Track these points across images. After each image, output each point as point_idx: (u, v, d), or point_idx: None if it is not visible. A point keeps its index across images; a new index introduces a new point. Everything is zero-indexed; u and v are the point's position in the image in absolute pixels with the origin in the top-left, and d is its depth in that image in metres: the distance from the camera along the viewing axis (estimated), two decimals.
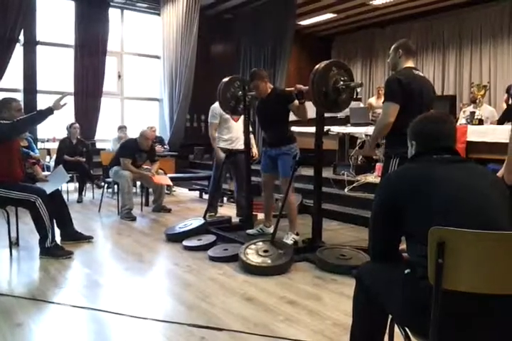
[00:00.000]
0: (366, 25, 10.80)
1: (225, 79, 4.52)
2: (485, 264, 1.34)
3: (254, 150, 5.40)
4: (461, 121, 6.10)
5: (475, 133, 5.10)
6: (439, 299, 1.35)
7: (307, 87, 3.69)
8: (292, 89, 3.91)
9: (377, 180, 5.96)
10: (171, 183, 6.53)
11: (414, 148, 1.81)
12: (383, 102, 3.15)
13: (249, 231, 4.44)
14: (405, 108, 3.01)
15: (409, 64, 3.20)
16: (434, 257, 1.34)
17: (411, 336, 1.54)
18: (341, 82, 3.48)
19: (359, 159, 7.04)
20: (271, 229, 4.26)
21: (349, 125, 6.63)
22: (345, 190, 5.82)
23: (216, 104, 5.07)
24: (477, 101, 6.05)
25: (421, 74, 3.27)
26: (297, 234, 4.15)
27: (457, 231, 1.32)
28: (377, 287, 1.67)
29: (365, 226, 4.85)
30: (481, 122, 5.53)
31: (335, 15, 10.00)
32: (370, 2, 9.07)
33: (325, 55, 11.72)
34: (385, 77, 10.69)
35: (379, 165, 6.31)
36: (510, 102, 6.70)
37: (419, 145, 1.78)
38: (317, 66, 3.55)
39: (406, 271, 1.56)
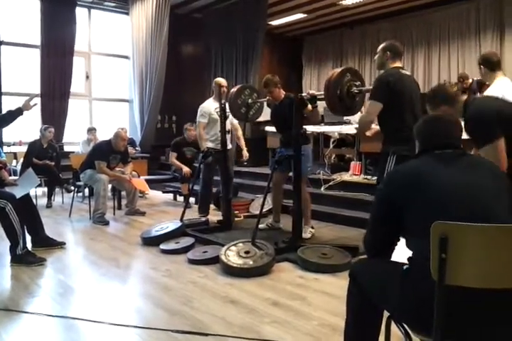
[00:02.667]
0: (336, 26, 10.84)
1: (235, 89, 4.69)
2: (488, 258, 1.31)
3: (245, 152, 5.39)
4: None
5: None
6: (443, 295, 1.32)
7: (320, 92, 3.86)
8: (305, 94, 4.06)
9: (353, 178, 6.02)
10: (148, 190, 6.41)
11: (418, 146, 1.83)
12: (368, 99, 3.23)
13: (260, 225, 4.29)
14: (397, 106, 3.10)
15: (397, 64, 3.27)
16: (437, 252, 1.30)
17: (411, 333, 1.50)
18: (354, 87, 3.55)
19: (333, 158, 7.07)
20: (280, 224, 4.67)
21: (323, 124, 6.63)
22: (322, 188, 5.83)
23: (205, 104, 5.03)
24: None
25: (407, 73, 3.37)
26: (312, 228, 4.40)
27: (460, 225, 1.29)
28: (374, 284, 1.63)
29: (344, 225, 4.94)
30: None
31: (305, 15, 10.01)
32: (340, 2, 9.10)
33: (296, 55, 11.80)
34: None
35: (354, 164, 6.35)
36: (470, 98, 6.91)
37: (421, 143, 1.81)
38: (331, 73, 3.65)
39: (405, 267, 1.53)
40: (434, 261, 1.33)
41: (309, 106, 4.05)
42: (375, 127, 3.49)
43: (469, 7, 8.75)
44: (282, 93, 4.40)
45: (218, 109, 4.73)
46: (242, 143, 5.42)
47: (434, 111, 2.46)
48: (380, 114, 3.15)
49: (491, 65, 3.50)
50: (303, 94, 4.08)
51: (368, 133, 3.55)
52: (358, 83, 3.58)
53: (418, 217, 1.54)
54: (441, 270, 1.31)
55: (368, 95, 3.43)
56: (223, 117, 4.63)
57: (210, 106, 4.95)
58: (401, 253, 1.69)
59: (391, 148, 3.10)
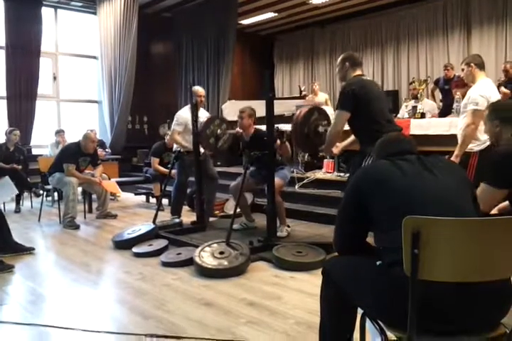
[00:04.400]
0: (307, 25, 10.89)
1: (204, 119, 4.73)
2: (461, 252, 1.31)
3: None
4: (404, 115, 6.26)
5: (417, 127, 5.26)
6: (416, 290, 1.31)
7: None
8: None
9: (326, 176, 6.05)
10: (119, 192, 6.31)
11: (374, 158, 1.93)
12: (335, 110, 3.30)
13: (235, 226, 4.31)
14: (368, 110, 3.17)
15: (357, 72, 3.34)
16: (409, 247, 1.30)
17: (385, 329, 1.50)
18: (321, 127, 3.67)
19: (306, 156, 7.09)
20: (255, 224, 4.76)
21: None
22: (296, 186, 5.84)
23: (182, 113, 5.00)
24: (418, 95, 6.23)
25: (368, 78, 3.51)
26: (288, 226, 4.46)
27: (432, 219, 1.29)
28: (347, 280, 1.63)
29: (318, 222, 4.95)
30: (423, 116, 5.69)
31: (276, 14, 10.02)
32: (309, 1, 9.13)
33: (268, 54, 11.80)
34: (326, 74, 10.89)
35: (327, 162, 6.39)
36: (440, 95, 7.02)
37: (377, 155, 1.89)
38: (298, 111, 3.79)
39: (378, 263, 1.53)
40: (407, 257, 1.32)
41: (278, 142, 4.20)
42: (341, 144, 3.55)
43: (437, 5, 8.90)
44: (253, 127, 4.53)
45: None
46: None
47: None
48: (353, 121, 3.22)
49: (481, 64, 3.51)
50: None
51: (335, 151, 3.57)
52: (324, 122, 3.70)
53: (387, 211, 1.55)
54: (414, 265, 1.31)
55: None
56: (195, 119, 4.58)
57: (187, 116, 4.89)
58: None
59: (370, 148, 3.13)
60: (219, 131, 4.66)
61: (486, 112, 2.55)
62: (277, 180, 4.16)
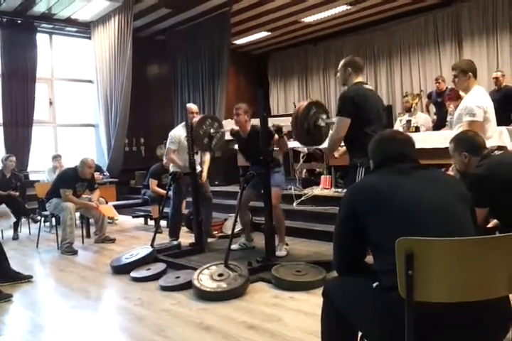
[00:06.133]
0: (300, 42, 11.02)
1: (196, 119, 4.69)
2: (455, 272, 1.30)
3: (204, 175, 5.11)
4: (399, 129, 6.28)
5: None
6: (413, 312, 1.29)
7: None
8: (271, 126, 4.17)
9: (324, 192, 6.03)
10: (117, 215, 6.28)
11: (372, 164, 1.85)
12: (336, 116, 3.27)
13: (233, 246, 4.34)
14: (364, 121, 3.14)
15: (359, 79, 3.32)
16: (403, 269, 1.28)
17: None
18: (321, 120, 3.60)
19: (303, 173, 7.09)
20: (253, 243, 4.71)
21: (292, 140, 6.65)
22: (294, 204, 5.81)
23: (176, 131, 5.02)
24: (412, 109, 6.26)
25: (370, 87, 3.42)
26: (287, 244, 4.43)
27: (425, 240, 1.28)
28: (347, 303, 1.60)
29: (317, 240, 4.92)
30: (417, 129, 5.71)
31: (269, 33, 10.14)
32: (302, 19, 9.27)
33: (262, 72, 11.91)
34: (320, 90, 10.96)
35: (324, 178, 6.38)
36: (434, 108, 7.05)
37: (375, 161, 1.83)
38: (297, 107, 3.72)
39: (374, 285, 1.50)
40: (401, 278, 1.30)
41: (276, 136, 4.20)
42: (342, 148, 3.53)
43: (427, 19, 9.01)
44: (249, 124, 4.48)
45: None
46: (205, 166, 5.23)
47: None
48: (347, 129, 3.17)
49: (475, 71, 3.31)
50: (269, 126, 4.16)
51: (336, 155, 3.58)
52: (324, 116, 3.66)
53: (383, 232, 1.52)
54: (409, 287, 1.29)
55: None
56: (190, 139, 4.58)
57: (180, 134, 4.90)
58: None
59: (359, 159, 3.12)
60: (212, 130, 4.63)
61: (452, 145, 2.71)
62: (274, 190, 4.10)
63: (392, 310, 1.39)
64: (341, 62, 3.38)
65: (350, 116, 3.13)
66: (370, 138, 3.10)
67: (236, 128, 4.55)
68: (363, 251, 1.71)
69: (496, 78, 6.30)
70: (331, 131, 3.54)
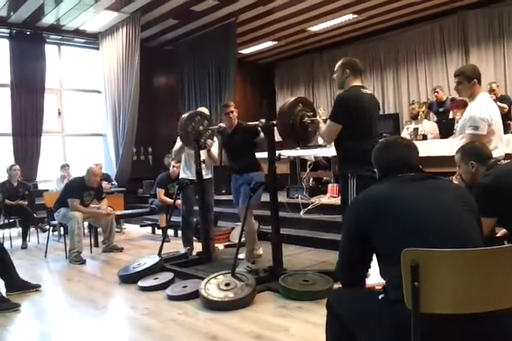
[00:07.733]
0: (306, 51, 11.07)
1: (185, 115, 4.65)
2: (462, 283, 1.29)
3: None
4: (406, 137, 6.26)
5: (421, 149, 5.16)
6: (419, 324, 1.28)
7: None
8: (257, 122, 4.07)
9: (331, 200, 6.00)
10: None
11: (377, 172, 1.83)
12: (328, 119, 3.22)
13: (241, 255, 4.25)
14: (356, 128, 3.08)
15: (357, 82, 3.22)
16: (409, 280, 1.27)
17: None
18: (307, 118, 3.56)
19: (310, 181, 7.09)
20: (260, 251, 4.66)
21: (298, 148, 6.66)
22: (301, 213, 5.78)
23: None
24: (419, 117, 6.26)
25: (368, 92, 3.32)
26: (253, 263, 4.33)
27: (430, 251, 1.27)
28: (351, 315, 1.59)
29: (324, 248, 4.89)
30: (424, 137, 5.70)
31: (275, 42, 10.22)
32: (309, 29, 9.32)
33: (268, 82, 11.96)
34: (327, 99, 10.97)
35: (331, 186, 6.36)
36: (435, 118, 7.04)
37: (380, 169, 1.82)
38: (284, 102, 3.67)
39: (380, 296, 1.49)
40: (407, 290, 1.29)
41: (262, 135, 4.19)
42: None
43: (433, 27, 9.02)
44: (236, 120, 4.45)
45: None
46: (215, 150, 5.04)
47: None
48: (338, 135, 3.14)
49: (480, 77, 3.13)
50: (256, 122, 4.11)
51: None
52: (310, 113, 3.60)
53: (389, 243, 1.50)
54: (415, 298, 1.28)
55: None
56: (197, 146, 4.59)
57: None
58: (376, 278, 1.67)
59: (350, 170, 3.07)
60: (201, 127, 4.60)
61: (458, 155, 2.70)
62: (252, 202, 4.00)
63: (398, 322, 1.38)
64: (339, 63, 3.26)
65: (342, 122, 3.08)
66: (361, 146, 2.99)
67: (223, 125, 4.51)
68: (368, 262, 1.70)
69: (493, 90, 6.36)
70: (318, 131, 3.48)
